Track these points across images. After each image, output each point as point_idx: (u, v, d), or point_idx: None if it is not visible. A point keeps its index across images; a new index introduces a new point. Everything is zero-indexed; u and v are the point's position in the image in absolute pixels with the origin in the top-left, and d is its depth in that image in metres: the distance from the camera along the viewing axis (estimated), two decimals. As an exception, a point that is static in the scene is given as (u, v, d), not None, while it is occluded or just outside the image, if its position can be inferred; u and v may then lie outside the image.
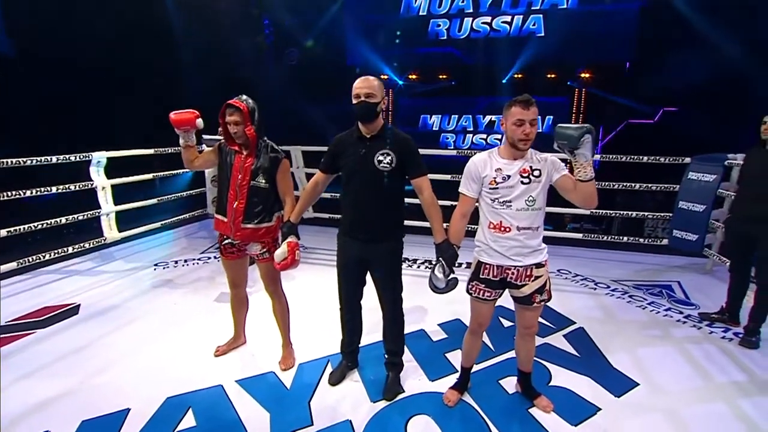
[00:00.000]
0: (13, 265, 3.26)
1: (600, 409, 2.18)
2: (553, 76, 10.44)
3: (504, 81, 10.68)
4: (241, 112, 2.20)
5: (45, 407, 2.17)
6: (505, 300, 2.16)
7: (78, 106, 6.36)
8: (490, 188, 1.93)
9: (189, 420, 2.09)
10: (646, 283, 3.86)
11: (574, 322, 3.10)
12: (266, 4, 9.85)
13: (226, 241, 2.42)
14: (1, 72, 5.84)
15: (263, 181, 2.26)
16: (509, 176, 1.90)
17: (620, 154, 4.28)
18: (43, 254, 3.48)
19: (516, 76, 10.60)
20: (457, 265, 2.02)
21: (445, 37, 10.70)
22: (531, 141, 1.87)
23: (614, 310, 3.33)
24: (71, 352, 2.67)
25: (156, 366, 2.53)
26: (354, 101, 2.02)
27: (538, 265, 1.98)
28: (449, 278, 2.00)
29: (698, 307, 3.40)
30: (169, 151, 4.45)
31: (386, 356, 2.40)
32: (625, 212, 4.58)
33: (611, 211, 4.54)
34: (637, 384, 2.40)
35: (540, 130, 1.77)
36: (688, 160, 3.99)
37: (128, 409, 2.15)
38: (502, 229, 1.93)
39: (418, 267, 4.17)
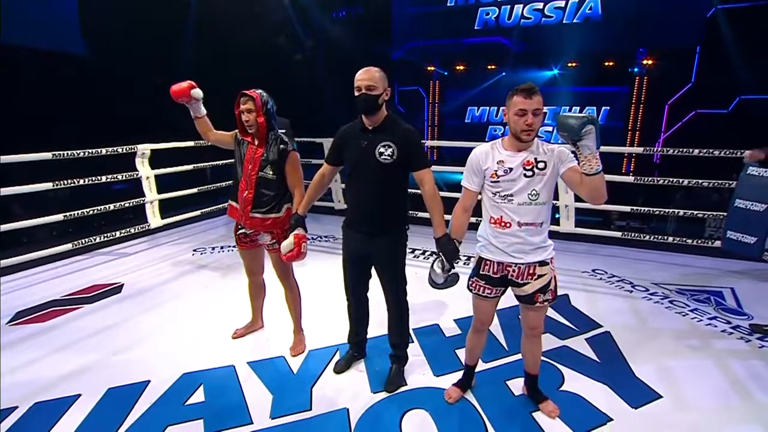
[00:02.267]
0: (68, 246, 3.63)
1: (611, 420, 2.04)
2: (611, 63, 9.76)
3: (557, 70, 10.16)
4: (254, 100, 2.29)
5: (80, 374, 2.41)
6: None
7: (137, 103, 6.91)
8: (491, 181, 1.86)
9: (199, 395, 2.23)
10: (691, 288, 3.53)
11: (601, 326, 2.91)
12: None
13: (240, 231, 2.52)
14: (74, 71, 6.51)
15: (271, 172, 2.33)
16: (511, 169, 1.82)
17: (681, 147, 3.90)
18: (95, 237, 3.84)
19: (570, 64, 10.03)
20: (468, 257, 1.97)
21: (494, 26, 10.35)
22: (534, 132, 1.77)
23: (648, 316, 3.08)
24: (109, 326, 2.93)
25: (179, 344, 2.71)
26: (355, 93, 2.02)
27: (542, 263, 1.88)
28: (448, 274, 1.96)
29: (751, 317, 3.06)
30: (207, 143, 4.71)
31: (391, 349, 2.40)
32: (674, 210, 4.19)
33: (656, 209, 4.15)
34: (660, 396, 2.21)
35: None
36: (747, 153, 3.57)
37: (148, 381, 2.33)
38: (503, 224, 1.85)
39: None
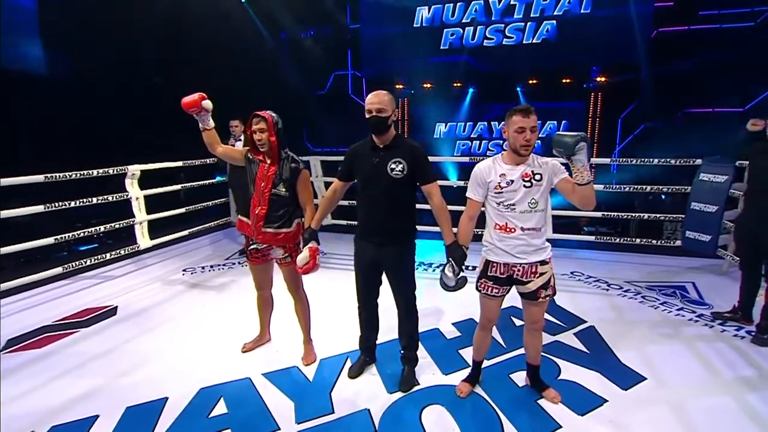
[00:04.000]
0: (58, 269, 3.55)
1: (606, 401, 2.28)
2: (568, 80, 10.48)
3: (519, 87, 10.78)
4: (266, 121, 2.42)
5: (92, 396, 2.40)
6: (517, 300, 2.29)
7: (112, 121, 6.76)
8: (495, 192, 2.08)
9: (221, 407, 2.28)
10: (659, 283, 3.91)
11: (585, 321, 3.18)
12: (281, 19, 10.24)
13: (252, 247, 2.62)
14: (36, 89, 6.29)
15: (284, 189, 2.46)
16: (512, 181, 2.05)
17: (635, 158, 4.35)
18: (85, 260, 3.77)
19: (530, 82, 10.69)
20: (465, 266, 2.17)
21: (459, 46, 10.89)
22: (532, 147, 2.02)
23: (626, 310, 3.40)
24: (112, 348, 2.91)
25: (189, 361, 2.74)
26: (366, 115, 2.21)
27: (543, 263, 2.11)
28: (459, 277, 2.15)
29: (712, 306, 3.43)
30: (196, 163, 4.75)
31: (402, 351, 2.54)
32: (638, 214, 4.62)
33: (623, 214, 4.57)
34: (644, 378, 2.48)
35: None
36: (699, 161, 4.04)
37: (166, 398, 2.36)
38: (508, 230, 2.07)
39: (434, 270, 4.31)
